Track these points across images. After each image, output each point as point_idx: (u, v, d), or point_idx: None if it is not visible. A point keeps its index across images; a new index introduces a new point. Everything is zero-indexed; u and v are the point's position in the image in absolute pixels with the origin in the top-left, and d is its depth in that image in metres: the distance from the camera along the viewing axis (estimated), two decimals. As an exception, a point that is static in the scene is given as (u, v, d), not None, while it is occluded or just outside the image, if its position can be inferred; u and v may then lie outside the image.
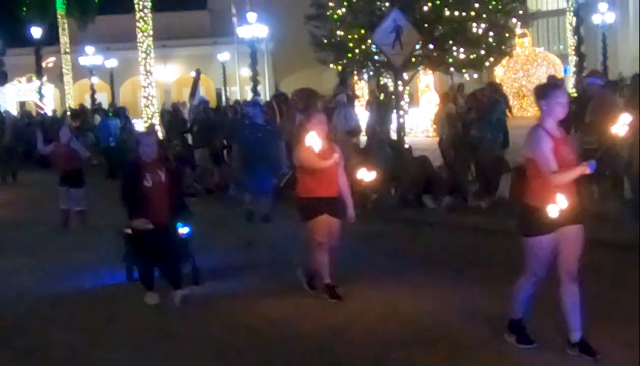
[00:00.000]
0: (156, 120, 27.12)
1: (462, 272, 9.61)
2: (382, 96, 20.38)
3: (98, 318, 8.64)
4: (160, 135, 24.80)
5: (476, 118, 14.42)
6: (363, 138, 18.33)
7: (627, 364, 6.42)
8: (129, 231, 9.19)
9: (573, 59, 32.58)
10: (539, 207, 6.34)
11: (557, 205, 6.21)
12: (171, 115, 24.85)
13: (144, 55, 27.37)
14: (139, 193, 8.80)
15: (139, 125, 27.65)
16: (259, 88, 35.15)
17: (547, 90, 6.53)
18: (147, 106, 27.31)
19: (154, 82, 27.98)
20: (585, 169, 6.33)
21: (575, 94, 16.11)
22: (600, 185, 11.96)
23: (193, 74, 31.64)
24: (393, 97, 18.30)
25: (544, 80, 26.67)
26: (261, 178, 13.59)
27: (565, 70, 34.86)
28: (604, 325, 7.23)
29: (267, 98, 34.83)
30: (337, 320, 7.98)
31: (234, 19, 44.29)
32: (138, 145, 9.18)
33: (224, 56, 52.42)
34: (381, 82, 23.68)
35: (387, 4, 20.42)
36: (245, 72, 43.38)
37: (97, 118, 27.05)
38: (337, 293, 8.55)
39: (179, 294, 8.86)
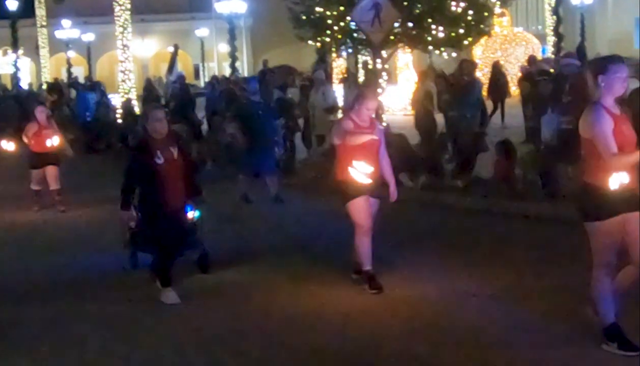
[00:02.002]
0: (133, 95, 26.97)
1: (437, 249, 9.66)
2: (364, 74, 20.36)
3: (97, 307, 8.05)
4: (138, 109, 24.68)
5: (451, 98, 14.44)
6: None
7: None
8: (137, 214, 8.54)
9: (551, 39, 32.61)
10: (602, 187, 5.83)
11: (619, 177, 5.74)
12: (145, 91, 24.75)
13: (121, 29, 27.12)
14: (150, 173, 8.01)
15: (116, 100, 27.47)
16: (237, 64, 34.96)
17: (606, 64, 5.97)
18: (124, 81, 27.09)
19: (131, 56, 27.75)
20: None
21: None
22: (576, 165, 12.00)
23: (171, 49, 31.50)
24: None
25: (522, 60, 26.79)
26: (265, 157, 13.35)
27: (543, 51, 34.89)
28: (566, 300, 7.32)
29: (245, 75, 34.76)
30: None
31: (213, -6, 44.00)
32: (146, 120, 8.37)
33: (202, 31, 52.17)
34: (360, 60, 23.67)
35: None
36: (224, 47, 43.16)
37: (73, 92, 26.89)
38: (378, 283, 8.07)
39: (171, 298, 8.03)
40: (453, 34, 21.21)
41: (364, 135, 7.99)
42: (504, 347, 6.47)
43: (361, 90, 8.86)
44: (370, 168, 8.05)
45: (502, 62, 27.47)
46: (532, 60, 21.26)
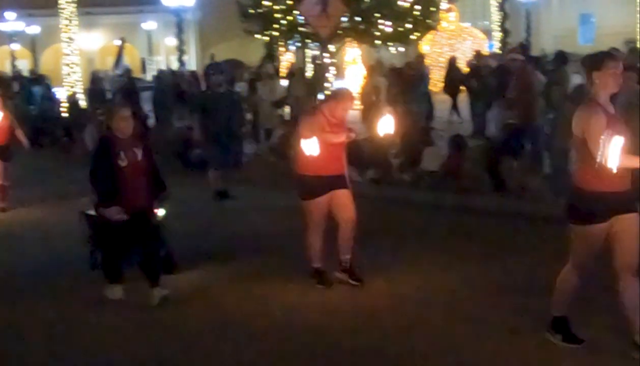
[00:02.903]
0: (79, 89, 26.63)
1: (385, 244, 9.69)
2: (313, 68, 20.37)
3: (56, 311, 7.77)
4: (84, 103, 24.39)
5: (400, 92, 14.52)
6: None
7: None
8: (92, 213, 8.19)
9: (498, 35, 32.91)
10: (594, 191, 5.68)
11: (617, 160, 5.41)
12: (92, 85, 24.44)
13: (66, 22, 26.75)
14: (113, 175, 7.60)
15: (61, 94, 27.10)
16: (185, 58, 34.72)
17: (600, 60, 5.78)
18: (69, 74, 26.74)
19: (77, 49, 27.39)
20: None
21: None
22: (521, 159, 12.17)
23: (117, 42, 31.21)
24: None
25: (469, 55, 26.95)
26: (228, 151, 13.04)
27: (490, 46, 35.21)
28: (521, 295, 7.42)
29: (193, 68, 34.53)
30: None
31: (160, -13, 43.57)
32: (110, 118, 7.85)
33: (149, 25, 51.68)
34: (309, 54, 23.69)
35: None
36: (171, 41, 42.83)
37: (15, 86, 26.45)
38: (327, 279, 8.04)
39: (158, 294, 7.74)
40: (400, 29, 21.31)
41: (335, 135, 7.81)
42: (452, 339, 6.54)
43: (341, 89, 8.88)
44: (338, 163, 7.97)
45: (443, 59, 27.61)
46: (478, 55, 21.44)
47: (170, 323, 7.30)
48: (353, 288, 7.95)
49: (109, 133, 7.88)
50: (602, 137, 5.43)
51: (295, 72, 20.68)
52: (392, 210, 11.69)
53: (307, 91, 17.66)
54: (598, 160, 5.46)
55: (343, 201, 7.98)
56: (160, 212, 8.36)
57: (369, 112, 15.28)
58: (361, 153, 14.01)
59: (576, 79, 12.79)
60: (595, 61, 5.80)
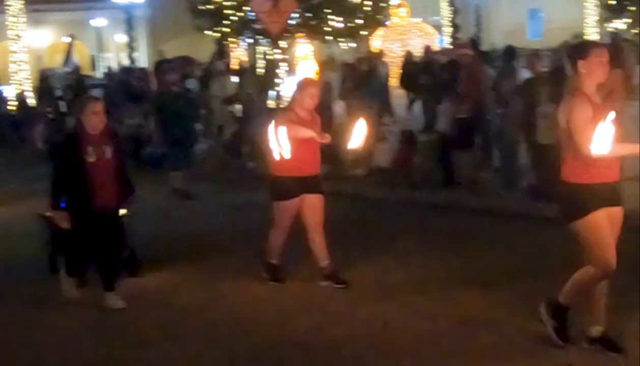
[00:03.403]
0: (27, 87, 26.29)
1: (338, 239, 9.69)
2: (263, 64, 20.34)
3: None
4: (33, 101, 24.09)
5: (353, 87, 14.55)
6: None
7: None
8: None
9: (448, 30, 33.17)
10: (583, 183, 5.47)
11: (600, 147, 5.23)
12: (40, 83, 24.16)
13: (14, 19, 26.42)
14: (78, 172, 7.28)
15: (9, 92, 26.73)
16: (136, 55, 34.45)
17: (586, 49, 5.59)
18: (17, 72, 26.41)
19: (24, 47, 27.04)
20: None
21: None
22: (471, 153, 12.27)
23: (66, 39, 30.82)
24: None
25: (420, 51, 27.10)
26: (186, 150, 12.88)
27: (440, 41, 35.44)
28: (467, 289, 7.50)
29: (144, 65, 34.24)
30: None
31: (109, -16, 43.13)
32: (81, 112, 7.48)
33: (98, 21, 51.11)
34: (260, 50, 23.65)
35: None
36: (122, 38, 42.45)
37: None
38: (279, 276, 7.96)
39: (114, 300, 7.48)
40: (351, 25, 21.38)
41: (308, 130, 7.55)
42: (404, 333, 6.57)
43: (301, 79, 8.53)
44: (312, 164, 7.74)
45: (400, 53, 27.72)
46: (427, 50, 21.55)
47: (128, 324, 7.13)
48: (311, 286, 7.83)
49: (78, 127, 7.53)
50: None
51: (247, 69, 20.63)
52: (344, 205, 11.71)
53: (258, 88, 17.63)
54: (582, 150, 5.30)
55: (314, 205, 7.77)
56: (122, 212, 7.92)
57: (321, 108, 15.25)
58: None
59: (525, 74, 12.95)
60: (580, 50, 5.64)
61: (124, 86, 19.24)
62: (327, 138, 7.59)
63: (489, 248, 8.98)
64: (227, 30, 22.61)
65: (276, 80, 17.42)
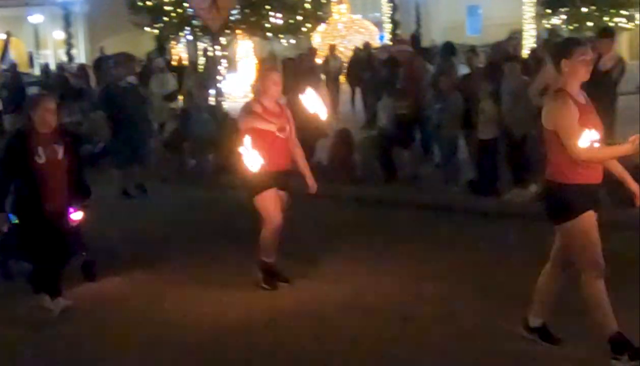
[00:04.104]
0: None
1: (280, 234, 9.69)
2: (204, 61, 20.24)
3: None
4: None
5: (294, 83, 14.51)
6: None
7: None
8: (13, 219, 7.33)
9: (388, 27, 33.31)
10: (571, 183, 5.32)
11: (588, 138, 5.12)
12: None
13: (-53, 15, 25.93)
14: (28, 172, 6.93)
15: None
16: (74, 51, 34.04)
17: (569, 48, 5.40)
18: (-50, 69, 25.89)
19: (-41, 44, 26.58)
20: (632, 148, 5.23)
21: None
22: (411, 149, 12.36)
23: (2, 36, 30.30)
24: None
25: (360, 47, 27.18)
26: (137, 145, 12.60)
27: (381, 38, 35.60)
28: (416, 281, 7.55)
29: (83, 62, 33.82)
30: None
31: (46, -20, 42.52)
32: (32, 108, 7.09)
33: (36, 18, 50.31)
34: (200, 47, 23.53)
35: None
36: (60, 34, 41.87)
37: None
38: (273, 282, 7.61)
39: (61, 304, 7.13)
40: (291, 21, 21.36)
41: (273, 122, 7.35)
42: (347, 331, 6.59)
43: (261, 68, 8.49)
44: (280, 158, 7.49)
45: (341, 50, 27.79)
46: (367, 47, 21.64)
47: (86, 331, 6.84)
48: (288, 290, 7.62)
49: (27, 126, 7.13)
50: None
51: (186, 66, 20.51)
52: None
53: (198, 84, 17.52)
54: (571, 151, 5.19)
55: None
56: (77, 215, 7.56)
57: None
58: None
59: (463, 69, 13.09)
60: (563, 49, 5.47)
61: (61, 83, 18.96)
62: (285, 132, 7.39)
63: (431, 243, 9.06)
64: (167, 26, 22.42)
65: (217, 77, 17.33)
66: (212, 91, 17.29)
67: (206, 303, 7.38)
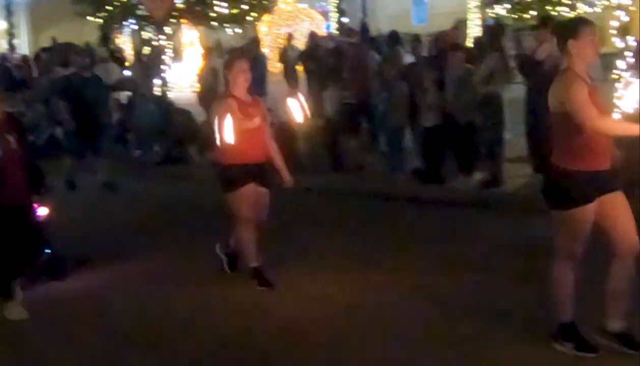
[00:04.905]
0: None
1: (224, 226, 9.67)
2: (146, 51, 20.03)
3: None
4: None
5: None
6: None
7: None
8: None
9: (334, 16, 33.29)
10: (578, 170, 5.14)
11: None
12: None
13: None
14: None
15: None
16: (16, 42, 33.47)
17: (575, 28, 5.21)
18: None
19: None
20: None
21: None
22: (358, 137, 12.39)
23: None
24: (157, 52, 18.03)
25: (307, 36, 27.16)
26: (95, 137, 12.27)
27: (327, 27, 35.58)
28: (360, 271, 7.59)
29: (26, 52, 33.28)
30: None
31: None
32: None
33: (-24, 8, 49.38)
34: (145, 36, 23.29)
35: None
36: (1, 24, 41.13)
37: None
38: (267, 279, 7.29)
39: (18, 311, 6.73)
40: (236, 10, 21.25)
41: (252, 118, 7.09)
42: (296, 323, 6.59)
43: (227, 58, 7.99)
44: (256, 150, 7.19)
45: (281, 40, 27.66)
46: (313, 36, 21.59)
47: (50, 334, 6.55)
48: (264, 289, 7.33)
49: None
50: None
51: (131, 56, 20.30)
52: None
53: (143, 74, 17.35)
54: (589, 125, 4.96)
55: (257, 201, 7.31)
56: (43, 211, 7.22)
57: (207, 94, 15.14)
58: (200, 135, 13.95)
59: (409, 58, 13.14)
60: (570, 29, 5.25)
61: (3, 74, 18.66)
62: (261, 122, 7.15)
63: (377, 231, 9.10)
64: (110, 16, 22.17)
65: (161, 67, 17.19)
66: (157, 81, 17.16)
67: (178, 299, 7.18)
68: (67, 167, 12.58)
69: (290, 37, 21.64)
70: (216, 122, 7.08)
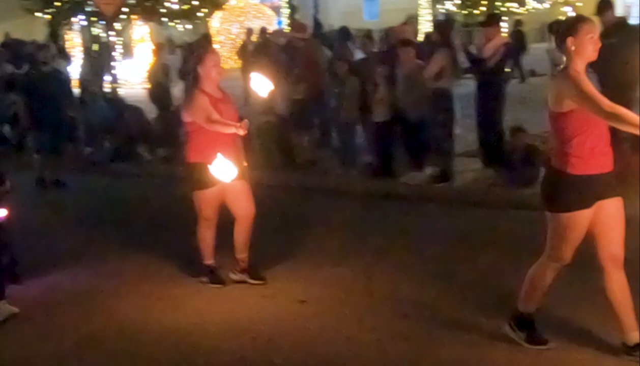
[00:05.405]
0: None
1: (180, 224, 9.63)
2: (96, 47, 19.88)
3: None
4: None
5: (193, 68, 14.40)
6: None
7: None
8: None
9: (286, 12, 33.31)
10: (577, 174, 4.98)
11: None
12: None
13: None
14: None
15: None
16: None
17: (575, 25, 5.04)
18: None
19: None
20: None
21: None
22: (310, 133, 12.40)
23: None
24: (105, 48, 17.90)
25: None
26: (53, 135, 12.08)
27: (279, 23, 35.59)
28: (313, 266, 7.61)
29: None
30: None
31: None
32: None
33: None
34: (93, 32, 23.07)
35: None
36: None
37: None
38: (220, 277, 7.26)
39: (5, 311, 6.60)
40: (187, 6, 21.17)
41: (223, 125, 6.81)
42: (248, 317, 6.59)
43: (197, 52, 7.62)
44: (229, 148, 6.88)
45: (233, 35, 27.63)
46: (263, 32, 21.59)
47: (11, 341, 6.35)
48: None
49: None
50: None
51: (81, 52, 20.12)
52: (181, 189, 11.59)
53: (93, 71, 17.25)
54: (603, 112, 4.73)
55: (237, 194, 7.09)
56: (1, 212, 6.96)
57: (158, 90, 15.08)
58: (151, 132, 13.88)
59: (359, 54, 13.19)
60: (569, 26, 5.09)
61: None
62: (245, 129, 6.79)
63: (329, 226, 9.13)
64: (59, 12, 21.93)
65: (111, 63, 17.07)
66: (107, 77, 17.05)
67: (130, 298, 7.09)
68: (36, 163, 12.42)
69: (249, 32, 21.59)
70: (187, 118, 6.92)
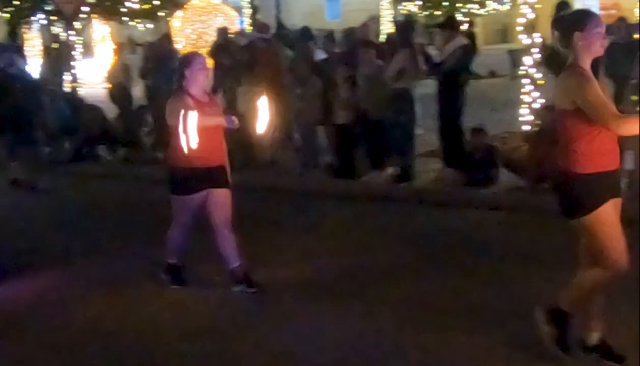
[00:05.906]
0: None
1: (137, 223, 9.59)
2: (56, 46, 19.68)
3: None
4: None
5: (152, 68, 14.35)
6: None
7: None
8: None
9: (248, 12, 33.23)
10: (588, 173, 4.77)
11: None
12: None
13: None
14: None
15: None
16: None
17: (581, 19, 4.84)
18: None
19: None
20: None
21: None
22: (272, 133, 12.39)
23: None
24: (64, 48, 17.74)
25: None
26: (21, 138, 11.96)
27: (241, 23, 35.50)
28: (266, 265, 7.61)
29: None
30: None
31: None
32: None
33: None
34: (53, 31, 22.85)
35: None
36: None
37: None
38: (181, 277, 7.16)
39: None
40: (148, 6, 21.05)
41: (212, 117, 6.75)
42: (208, 320, 6.58)
43: (184, 55, 7.53)
44: (214, 153, 6.84)
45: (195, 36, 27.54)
46: (224, 32, 21.49)
47: None
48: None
49: None
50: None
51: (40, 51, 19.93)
52: (145, 189, 11.56)
53: (52, 71, 17.08)
54: (607, 123, 4.60)
55: (220, 200, 6.95)
56: None
57: (118, 90, 14.97)
58: (111, 132, 13.80)
59: (321, 55, 13.19)
60: (575, 21, 4.86)
61: None
62: (237, 123, 6.82)
63: (290, 227, 9.14)
64: (18, 10, 21.69)
65: (71, 63, 16.92)
66: (66, 77, 16.89)
67: (94, 301, 6.99)
68: (12, 168, 12.28)
69: (222, 32, 21.41)
70: (172, 121, 6.69)
